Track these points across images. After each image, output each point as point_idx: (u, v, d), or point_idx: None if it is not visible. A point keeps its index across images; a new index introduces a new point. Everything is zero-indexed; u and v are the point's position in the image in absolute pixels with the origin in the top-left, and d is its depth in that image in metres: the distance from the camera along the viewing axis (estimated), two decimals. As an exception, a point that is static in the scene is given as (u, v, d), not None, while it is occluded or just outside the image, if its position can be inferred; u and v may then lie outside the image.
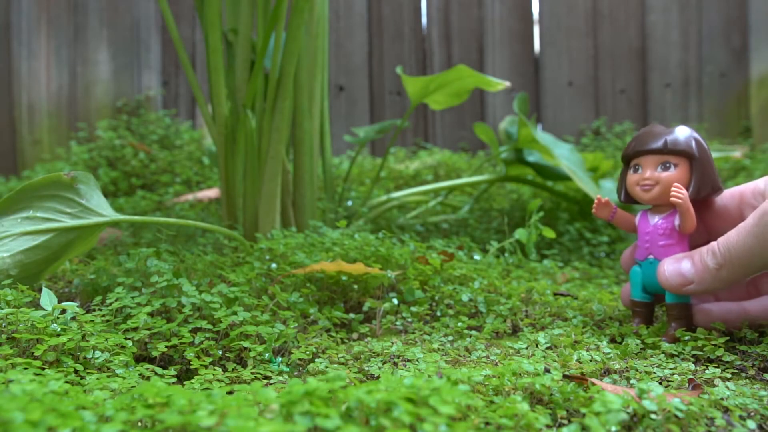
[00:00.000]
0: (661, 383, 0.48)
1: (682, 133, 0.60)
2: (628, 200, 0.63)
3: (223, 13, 0.99)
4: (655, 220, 0.61)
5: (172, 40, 0.94)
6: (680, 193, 0.57)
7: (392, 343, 0.58)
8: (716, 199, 0.61)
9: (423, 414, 0.32)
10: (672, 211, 0.60)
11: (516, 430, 0.36)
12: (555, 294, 0.67)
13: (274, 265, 0.74)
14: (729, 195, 0.61)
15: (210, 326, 0.56)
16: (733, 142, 2.07)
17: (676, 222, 0.59)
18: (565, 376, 0.46)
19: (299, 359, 0.56)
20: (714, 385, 0.47)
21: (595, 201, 0.64)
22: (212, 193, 1.50)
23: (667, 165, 0.59)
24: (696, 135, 0.60)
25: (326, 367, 0.53)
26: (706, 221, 0.62)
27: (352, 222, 1.11)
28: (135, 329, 0.56)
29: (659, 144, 0.59)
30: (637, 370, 0.50)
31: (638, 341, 0.58)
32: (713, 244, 0.56)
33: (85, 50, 2.04)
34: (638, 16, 2.18)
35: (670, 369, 0.51)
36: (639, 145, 0.60)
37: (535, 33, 2.18)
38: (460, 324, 0.64)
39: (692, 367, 0.52)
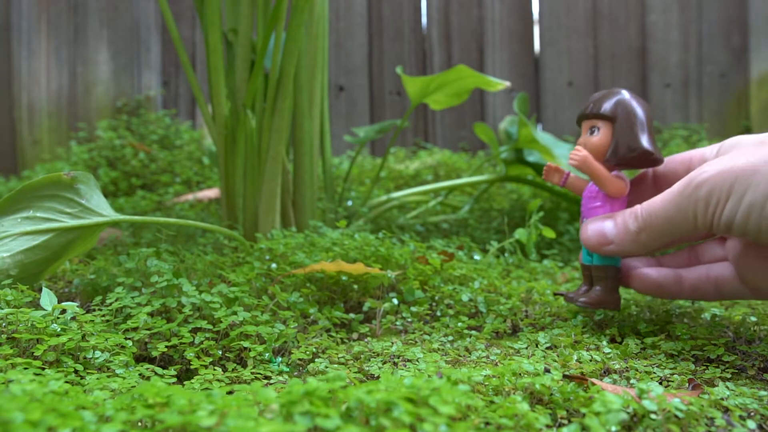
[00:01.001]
0: (661, 383, 0.48)
1: (609, 96, 0.59)
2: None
3: (223, 13, 0.99)
4: (590, 183, 0.61)
5: (172, 40, 0.94)
6: (576, 155, 0.57)
7: (392, 343, 0.58)
8: (666, 163, 0.60)
9: (423, 414, 0.32)
10: None
11: (516, 430, 0.36)
12: (555, 294, 0.67)
13: (274, 265, 0.74)
14: (679, 159, 0.60)
15: (210, 326, 0.56)
16: (733, 142, 2.07)
17: None
18: (565, 376, 0.46)
19: (299, 359, 0.56)
20: (714, 385, 0.47)
21: (545, 167, 0.63)
22: (212, 193, 1.50)
23: (593, 129, 0.59)
24: (626, 97, 0.59)
25: (326, 367, 0.53)
26: (659, 185, 0.61)
27: (352, 222, 1.11)
28: (135, 329, 0.56)
29: (585, 108, 0.59)
30: (637, 370, 0.50)
31: (638, 341, 0.58)
32: (636, 207, 0.55)
33: (85, 50, 2.04)
34: (638, 16, 2.18)
35: (670, 369, 0.51)
36: (582, 110, 0.61)
37: (535, 33, 2.18)
38: (460, 324, 0.64)
39: (692, 367, 0.52)
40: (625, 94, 0.59)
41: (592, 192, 0.60)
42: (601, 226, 0.57)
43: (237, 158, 0.96)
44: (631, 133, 0.58)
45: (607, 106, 0.58)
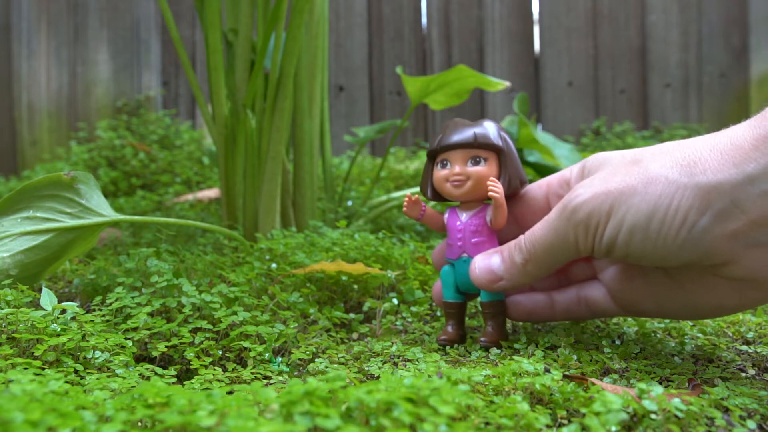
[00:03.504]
0: (661, 383, 0.48)
1: (490, 126, 0.57)
2: (435, 197, 0.59)
3: (223, 13, 0.99)
4: (465, 216, 0.58)
5: (172, 40, 0.94)
6: (497, 187, 0.54)
7: (392, 343, 0.58)
8: (524, 191, 0.59)
9: (423, 414, 0.32)
10: (482, 207, 0.58)
11: (516, 430, 0.36)
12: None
13: (274, 265, 0.74)
14: (537, 186, 0.59)
15: (210, 326, 0.56)
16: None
17: (488, 217, 0.57)
18: (565, 376, 0.46)
19: (299, 359, 0.56)
20: (714, 385, 0.47)
21: (405, 199, 0.59)
22: (212, 193, 1.50)
23: (477, 159, 0.56)
24: (501, 128, 0.58)
25: (326, 367, 0.53)
26: (515, 213, 0.60)
27: (352, 222, 1.11)
28: (135, 329, 0.56)
29: (468, 138, 0.56)
30: (637, 370, 0.50)
31: (638, 341, 0.58)
32: (520, 238, 0.53)
33: (85, 50, 2.04)
34: (638, 16, 2.18)
35: (670, 369, 0.51)
36: (446, 139, 0.57)
37: (535, 33, 2.19)
38: (460, 324, 0.64)
39: (692, 367, 0.52)
40: (498, 124, 0.58)
41: (472, 226, 0.57)
42: (489, 264, 0.55)
43: (237, 158, 0.96)
44: (519, 165, 0.57)
45: (493, 136, 0.56)
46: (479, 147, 0.56)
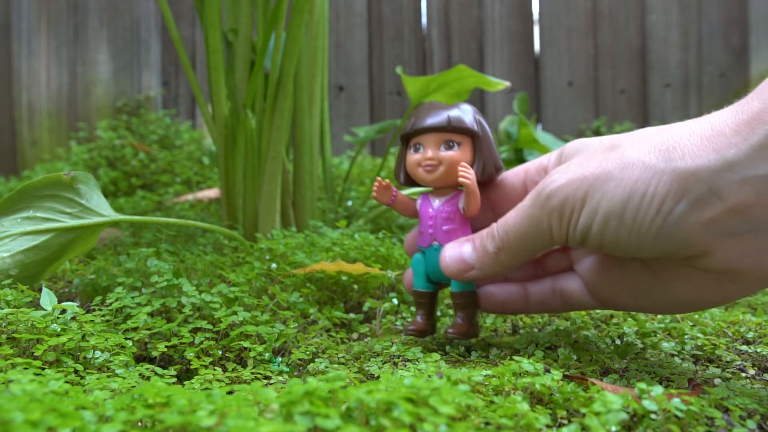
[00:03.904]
0: (661, 383, 0.48)
1: (465, 110, 0.54)
2: (408, 182, 0.57)
3: (223, 13, 0.99)
4: (437, 203, 0.55)
5: (172, 40, 0.94)
6: (468, 173, 0.52)
7: (392, 343, 0.58)
8: (501, 177, 0.57)
9: (423, 414, 0.32)
10: (455, 193, 0.55)
11: (516, 430, 0.36)
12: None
13: (274, 265, 0.74)
14: (514, 173, 0.56)
15: (210, 326, 0.56)
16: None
17: (461, 204, 0.54)
18: (565, 376, 0.46)
19: (299, 359, 0.56)
20: (714, 385, 0.47)
21: (375, 184, 0.56)
22: (212, 193, 1.50)
23: (451, 144, 0.53)
24: (478, 112, 0.55)
25: (326, 367, 0.53)
26: (491, 200, 0.57)
27: (352, 222, 1.11)
28: (135, 329, 0.56)
29: (442, 121, 0.53)
30: (637, 370, 0.50)
31: (638, 341, 0.58)
32: (493, 226, 0.51)
33: (85, 50, 2.04)
34: (638, 16, 2.18)
35: (670, 369, 0.51)
36: (419, 122, 0.54)
37: (535, 33, 2.19)
38: (460, 324, 0.64)
39: (692, 367, 0.52)
40: (474, 108, 0.55)
41: (444, 213, 0.55)
42: (460, 252, 0.52)
43: (237, 158, 0.96)
44: (494, 151, 0.55)
45: (468, 120, 0.53)
46: (453, 131, 0.53)
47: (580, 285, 0.54)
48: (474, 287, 0.56)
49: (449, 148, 0.53)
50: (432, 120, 0.53)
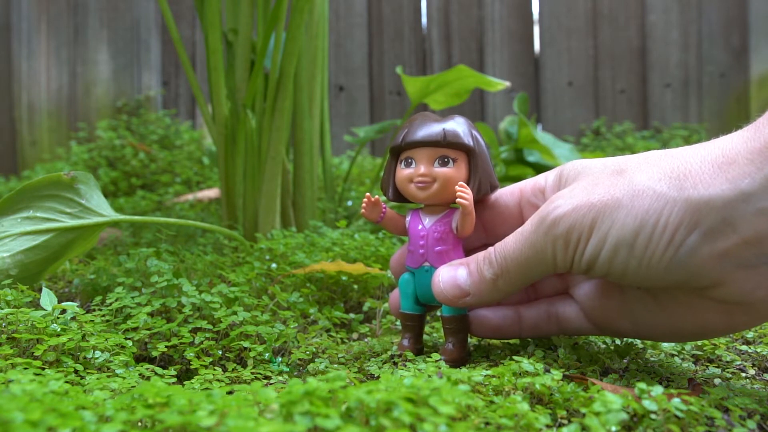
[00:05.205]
0: (661, 383, 0.48)
1: (461, 123, 0.51)
2: (398, 198, 0.53)
3: (223, 13, 0.99)
4: (428, 221, 0.52)
5: (172, 40, 0.94)
6: (467, 195, 0.48)
7: (392, 343, 0.58)
8: (494, 196, 0.54)
9: (423, 414, 0.32)
10: (448, 212, 0.52)
11: (516, 430, 0.36)
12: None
13: (274, 265, 0.74)
14: (509, 192, 0.54)
15: (210, 326, 0.56)
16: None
17: (454, 224, 0.51)
18: (565, 376, 0.46)
19: (299, 359, 0.56)
20: (714, 385, 0.47)
21: (364, 200, 0.53)
22: (212, 193, 1.50)
23: (446, 160, 0.50)
24: (473, 125, 0.52)
25: (326, 367, 0.53)
26: (483, 219, 0.54)
27: (352, 222, 1.11)
28: (135, 329, 0.56)
29: (437, 135, 0.49)
30: (637, 370, 0.50)
31: (638, 341, 0.58)
32: (490, 250, 0.48)
33: (85, 50, 2.04)
34: (638, 16, 2.18)
35: (670, 369, 0.51)
36: (411, 135, 0.50)
37: (535, 33, 2.19)
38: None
39: (692, 367, 0.52)
40: (469, 122, 0.52)
41: (437, 233, 0.51)
42: (454, 277, 0.49)
43: (237, 158, 0.96)
44: (490, 169, 0.52)
45: (464, 135, 0.50)
46: (448, 146, 0.50)
47: (576, 310, 0.52)
48: (465, 311, 0.53)
49: (444, 164, 0.50)
50: (425, 133, 0.50)
